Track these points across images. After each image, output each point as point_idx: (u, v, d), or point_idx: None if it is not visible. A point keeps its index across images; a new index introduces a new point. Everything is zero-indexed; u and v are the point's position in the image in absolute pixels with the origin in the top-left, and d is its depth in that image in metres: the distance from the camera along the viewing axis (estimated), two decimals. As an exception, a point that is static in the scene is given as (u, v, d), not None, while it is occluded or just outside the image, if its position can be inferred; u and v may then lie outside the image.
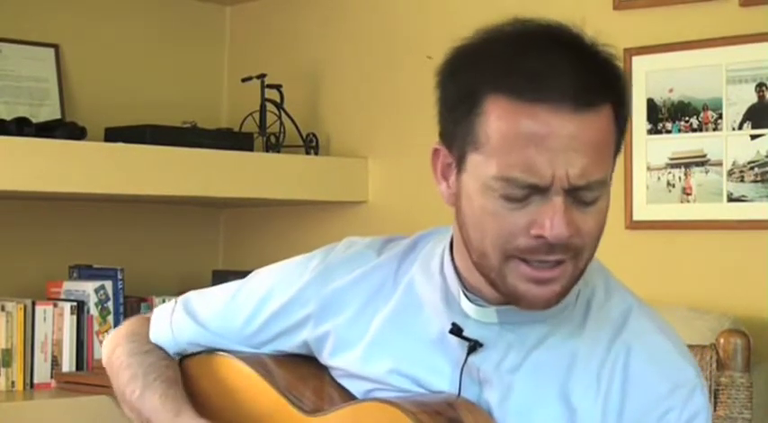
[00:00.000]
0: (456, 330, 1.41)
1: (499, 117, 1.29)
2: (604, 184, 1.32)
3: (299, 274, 1.57)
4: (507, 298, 1.37)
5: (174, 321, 1.65)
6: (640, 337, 1.40)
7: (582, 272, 1.35)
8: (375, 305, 1.50)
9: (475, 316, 1.42)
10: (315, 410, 1.49)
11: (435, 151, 1.39)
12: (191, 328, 1.63)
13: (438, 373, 1.44)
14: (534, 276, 1.32)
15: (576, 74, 1.29)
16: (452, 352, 1.43)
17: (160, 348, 1.65)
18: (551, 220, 1.28)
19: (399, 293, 1.49)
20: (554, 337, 1.41)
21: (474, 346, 1.40)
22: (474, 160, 1.32)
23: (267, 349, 1.60)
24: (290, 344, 1.58)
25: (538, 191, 1.28)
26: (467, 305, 1.42)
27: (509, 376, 1.41)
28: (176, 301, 1.68)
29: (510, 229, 1.30)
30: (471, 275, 1.42)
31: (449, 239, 1.47)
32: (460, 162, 1.35)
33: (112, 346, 1.68)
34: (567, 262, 1.32)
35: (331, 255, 1.57)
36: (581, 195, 1.30)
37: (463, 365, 1.41)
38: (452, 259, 1.45)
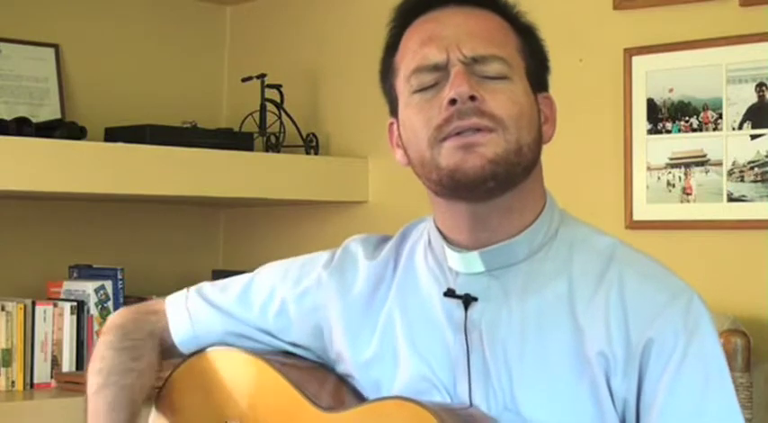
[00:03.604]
0: (449, 292, 1.46)
1: (405, 42, 1.48)
2: (505, 63, 1.43)
3: (308, 269, 1.63)
4: (449, 183, 1.42)
5: (191, 308, 1.68)
6: (629, 264, 1.45)
7: (518, 152, 1.41)
8: (381, 295, 1.55)
9: (462, 268, 1.46)
10: (330, 408, 1.51)
11: (389, 126, 1.53)
12: (209, 313, 1.67)
13: (446, 343, 1.47)
14: (459, 143, 1.40)
15: None
16: (455, 318, 1.46)
17: (136, 348, 1.67)
18: (453, 82, 1.41)
19: (398, 279, 1.55)
20: (542, 276, 1.45)
21: (468, 301, 1.45)
22: (398, 92, 1.47)
23: (286, 338, 1.63)
24: (303, 332, 1.61)
25: (442, 71, 1.42)
26: (452, 258, 1.47)
27: (514, 324, 1.43)
28: (188, 290, 1.72)
29: (430, 115, 1.42)
30: (447, 221, 1.49)
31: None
32: (397, 108, 1.48)
33: (102, 335, 1.71)
34: (494, 133, 1.40)
35: (337, 253, 1.63)
36: (481, 69, 1.42)
37: (465, 323, 1.45)
38: (435, 224, 1.52)
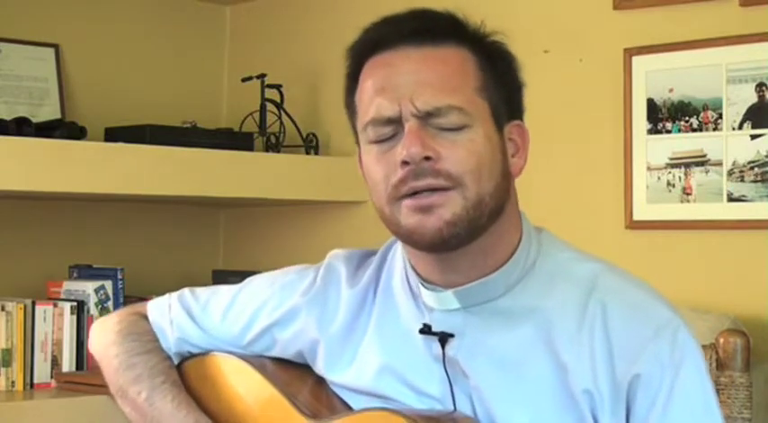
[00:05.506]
0: (425, 329, 1.44)
1: (362, 82, 1.43)
2: (462, 112, 1.37)
3: (289, 293, 1.60)
4: (409, 242, 1.41)
5: (175, 320, 1.68)
6: (613, 292, 1.41)
7: (478, 206, 1.37)
8: (362, 322, 1.53)
9: (438, 306, 1.44)
10: (314, 415, 1.51)
11: (359, 154, 1.47)
12: (192, 329, 1.67)
13: (428, 374, 1.45)
14: (416, 205, 1.37)
15: (414, 21, 1.43)
16: (434, 350, 1.45)
17: (160, 349, 1.68)
18: (405, 141, 1.36)
19: (378, 305, 1.53)
20: (520, 311, 1.42)
21: (444, 338, 1.42)
22: (359, 131, 1.43)
23: (268, 355, 1.63)
24: (286, 354, 1.61)
25: (396, 124, 1.38)
26: (428, 297, 1.45)
27: (492, 361, 1.41)
28: (170, 299, 1.71)
29: (387, 171, 1.38)
30: (418, 264, 1.46)
31: None
32: (359, 142, 1.44)
33: (107, 343, 1.70)
34: (451, 191, 1.36)
35: (320, 273, 1.60)
36: (436, 122, 1.37)
37: (444, 360, 1.43)
38: (409, 261, 1.49)
